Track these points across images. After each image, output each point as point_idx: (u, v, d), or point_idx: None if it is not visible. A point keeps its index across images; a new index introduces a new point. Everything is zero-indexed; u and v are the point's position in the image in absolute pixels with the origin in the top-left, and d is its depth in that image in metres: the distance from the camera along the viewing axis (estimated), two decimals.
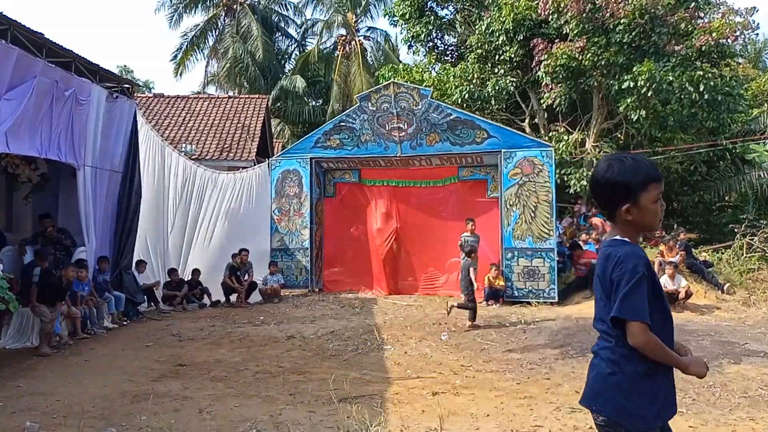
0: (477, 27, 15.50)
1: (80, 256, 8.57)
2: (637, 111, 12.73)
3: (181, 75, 30.44)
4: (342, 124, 11.75)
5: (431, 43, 17.92)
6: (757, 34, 19.20)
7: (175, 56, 30.06)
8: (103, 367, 6.44)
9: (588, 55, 12.79)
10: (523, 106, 16.09)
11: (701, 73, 12.33)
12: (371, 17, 31.97)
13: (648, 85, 12.08)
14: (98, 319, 8.38)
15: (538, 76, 13.89)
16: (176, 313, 9.97)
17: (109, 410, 4.98)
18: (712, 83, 12.39)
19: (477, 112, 14.09)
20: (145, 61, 65.73)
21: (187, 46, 29.95)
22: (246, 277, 10.87)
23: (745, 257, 11.78)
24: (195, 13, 30.48)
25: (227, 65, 28.57)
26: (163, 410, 4.91)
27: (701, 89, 12.27)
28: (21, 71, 6.69)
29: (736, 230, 12.43)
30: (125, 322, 8.93)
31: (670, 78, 12.13)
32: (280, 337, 7.84)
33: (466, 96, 14.86)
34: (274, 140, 24.44)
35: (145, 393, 5.38)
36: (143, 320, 9.31)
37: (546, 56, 13.30)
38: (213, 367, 6.41)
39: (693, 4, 13.37)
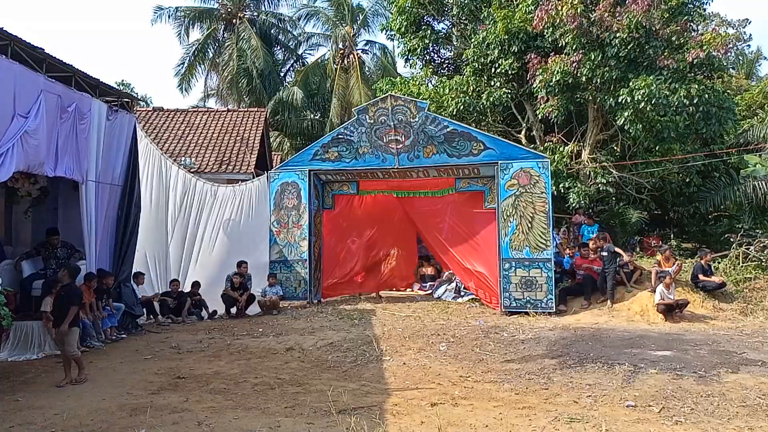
0: (472, 40, 15.62)
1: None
2: (634, 124, 12.81)
3: (185, 90, 30.38)
4: (340, 136, 11.83)
5: (428, 57, 18.03)
6: (750, 46, 19.36)
7: (179, 71, 30.15)
8: (101, 380, 6.44)
9: (584, 70, 12.90)
10: (519, 117, 16.18)
11: (696, 85, 12.43)
12: (369, 30, 32.27)
13: (645, 99, 12.16)
14: (96, 333, 8.37)
15: (534, 88, 14.00)
16: (175, 325, 9.97)
17: (108, 423, 4.98)
18: (705, 96, 12.50)
19: (473, 124, 14.17)
20: (145, 73, 66.07)
21: (190, 60, 30.06)
22: (242, 291, 10.84)
23: (742, 266, 11.83)
24: (194, 28, 30.70)
25: (228, 78, 28.71)
26: (162, 423, 4.92)
27: (695, 101, 12.37)
28: (24, 87, 6.75)
29: (732, 240, 12.48)
30: (123, 335, 8.92)
31: (666, 92, 12.22)
32: (278, 349, 7.85)
33: (462, 108, 14.94)
34: (274, 153, 24.50)
35: (144, 406, 5.39)
36: (142, 333, 9.30)
37: (541, 70, 13.41)
38: (212, 379, 6.42)
39: (686, 17, 13.51)
